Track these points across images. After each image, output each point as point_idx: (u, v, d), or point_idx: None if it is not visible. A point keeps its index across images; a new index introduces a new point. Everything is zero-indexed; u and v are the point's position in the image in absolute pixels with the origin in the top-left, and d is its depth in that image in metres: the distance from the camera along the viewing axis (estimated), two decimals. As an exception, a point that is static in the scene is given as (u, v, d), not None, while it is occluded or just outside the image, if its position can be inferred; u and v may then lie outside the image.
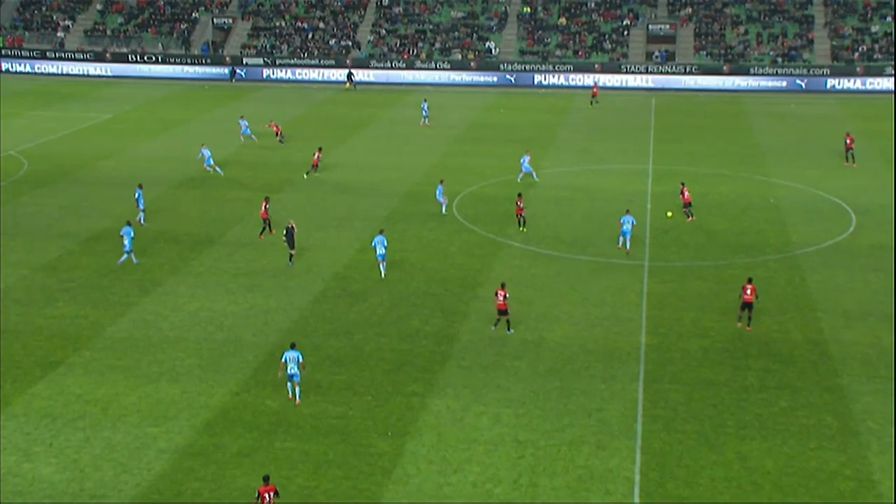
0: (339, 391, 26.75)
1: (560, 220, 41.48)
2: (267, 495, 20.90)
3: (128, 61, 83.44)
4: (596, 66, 77.50)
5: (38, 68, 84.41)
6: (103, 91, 76.45)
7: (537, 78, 77.83)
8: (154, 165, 51.25)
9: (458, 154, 53.54)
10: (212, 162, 48.38)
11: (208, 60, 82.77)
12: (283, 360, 26.41)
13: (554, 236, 39.24)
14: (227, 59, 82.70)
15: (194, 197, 44.81)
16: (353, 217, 41.45)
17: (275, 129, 54.42)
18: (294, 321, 30.99)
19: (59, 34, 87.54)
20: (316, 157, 48.86)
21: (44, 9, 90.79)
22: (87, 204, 43.80)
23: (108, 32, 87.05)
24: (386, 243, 34.93)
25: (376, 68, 79.84)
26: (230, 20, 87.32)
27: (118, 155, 53.64)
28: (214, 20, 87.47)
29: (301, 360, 26.19)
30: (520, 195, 39.70)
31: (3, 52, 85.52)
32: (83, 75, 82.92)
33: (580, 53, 79.35)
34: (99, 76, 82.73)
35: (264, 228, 38.82)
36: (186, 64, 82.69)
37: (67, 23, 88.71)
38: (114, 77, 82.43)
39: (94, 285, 33.98)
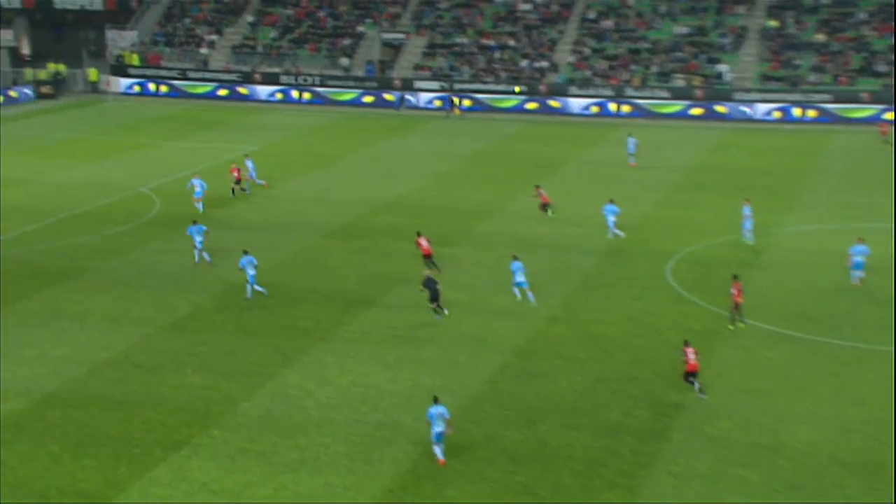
0: (516, 494, 26.64)
1: (806, 291, 40.27)
2: None
3: (279, 83, 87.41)
4: (863, 95, 75.33)
5: (178, 90, 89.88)
6: (250, 118, 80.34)
7: (782, 110, 76.32)
8: (304, 208, 53.13)
9: (675, 204, 53.00)
10: (200, 194, 51.41)
11: (374, 84, 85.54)
12: (427, 417, 28.12)
13: (798, 312, 38.13)
14: (397, 81, 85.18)
15: (350, 248, 46.08)
16: (542, 279, 41.51)
17: (235, 173, 54.84)
18: (463, 404, 31.19)
19: (202, 51, 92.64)
20: (540, 195, 50.42)
21: (187, 21, 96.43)
22: (226, 252, 45.83)
23: (259, 49, 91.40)
24: (525, 269, 39.06)
25: (576, 95, 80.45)
26: (402, 35, 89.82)
27: (263, 194, 56.04)
28: (383, 35, 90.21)
29: (447, 416, 27.94)
30: (735, 277, 37.09)
31: (139, 71, 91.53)
32: (228, 98, 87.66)
33: (842, 79, 77.23)
34: (246, 100, 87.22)
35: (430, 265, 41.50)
36: (348, 87, 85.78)
37: (213, 37, 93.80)
38: (263, 101, 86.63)
39: (228, 350, 35.32)
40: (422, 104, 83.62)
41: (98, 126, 76.89)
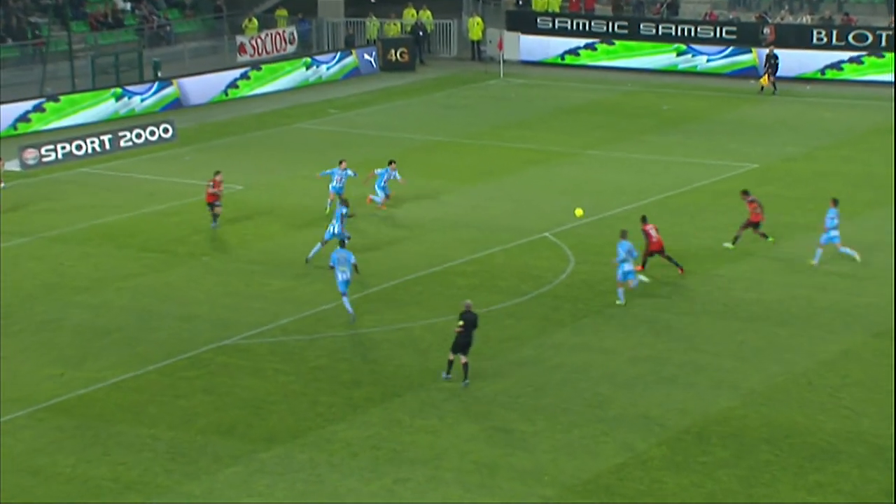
0: None
1: None
2: None
3: (809, 45, 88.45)
4: None
5: (619, 57, 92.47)
6: (747, 108, 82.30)
7: None
8: (848, 285, 52.69)
9: None
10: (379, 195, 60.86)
11: None
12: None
13: None
14: None
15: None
16: None
17: (214, 187, 60.05)
18: None
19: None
20: None
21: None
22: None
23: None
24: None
25: None
26: None
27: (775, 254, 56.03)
28: None
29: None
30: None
31: (554, 22, 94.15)
32: (712, 74, 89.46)
33: None
34: (741, 74, 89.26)
35: None
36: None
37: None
38: (778, 78, 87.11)
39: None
40: None
41: (478, 121, 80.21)
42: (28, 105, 78.78)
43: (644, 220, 53.12)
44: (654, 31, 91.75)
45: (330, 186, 60.83)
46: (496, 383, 44.32)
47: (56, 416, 41.87)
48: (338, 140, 75.74)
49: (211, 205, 59.80)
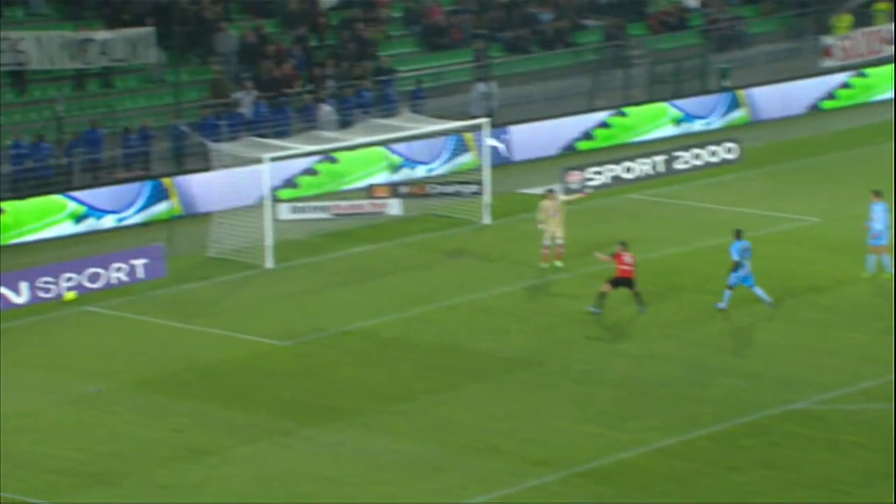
0: None
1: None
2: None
3: None
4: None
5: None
6: None
7: None
8: None
9: None
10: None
11: None
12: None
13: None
14: None
15: None
16: None
17: (619, 259, 55.41)
18: None
19: None
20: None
21: None
22: None
23: None
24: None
25: None
26: None
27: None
28: None
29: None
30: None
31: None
32: None
33: None
34: None
35: None
36: None
37: None
38: None
39: None
40: None
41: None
42: (575, 132, 78.05)
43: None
44: None
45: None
46: None
47: (594, 483, 40.93)
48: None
49: (629, 281, 55.58)
